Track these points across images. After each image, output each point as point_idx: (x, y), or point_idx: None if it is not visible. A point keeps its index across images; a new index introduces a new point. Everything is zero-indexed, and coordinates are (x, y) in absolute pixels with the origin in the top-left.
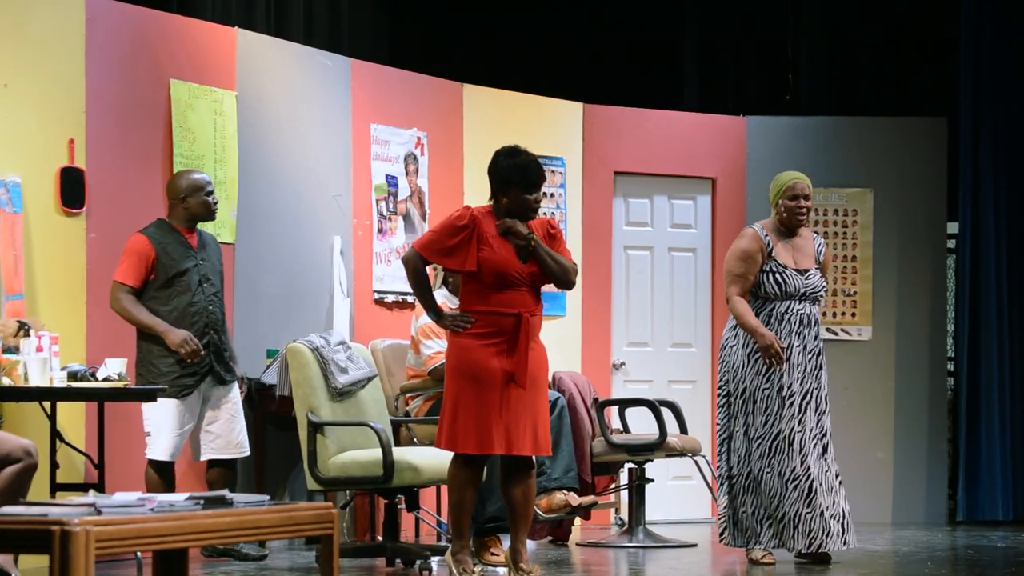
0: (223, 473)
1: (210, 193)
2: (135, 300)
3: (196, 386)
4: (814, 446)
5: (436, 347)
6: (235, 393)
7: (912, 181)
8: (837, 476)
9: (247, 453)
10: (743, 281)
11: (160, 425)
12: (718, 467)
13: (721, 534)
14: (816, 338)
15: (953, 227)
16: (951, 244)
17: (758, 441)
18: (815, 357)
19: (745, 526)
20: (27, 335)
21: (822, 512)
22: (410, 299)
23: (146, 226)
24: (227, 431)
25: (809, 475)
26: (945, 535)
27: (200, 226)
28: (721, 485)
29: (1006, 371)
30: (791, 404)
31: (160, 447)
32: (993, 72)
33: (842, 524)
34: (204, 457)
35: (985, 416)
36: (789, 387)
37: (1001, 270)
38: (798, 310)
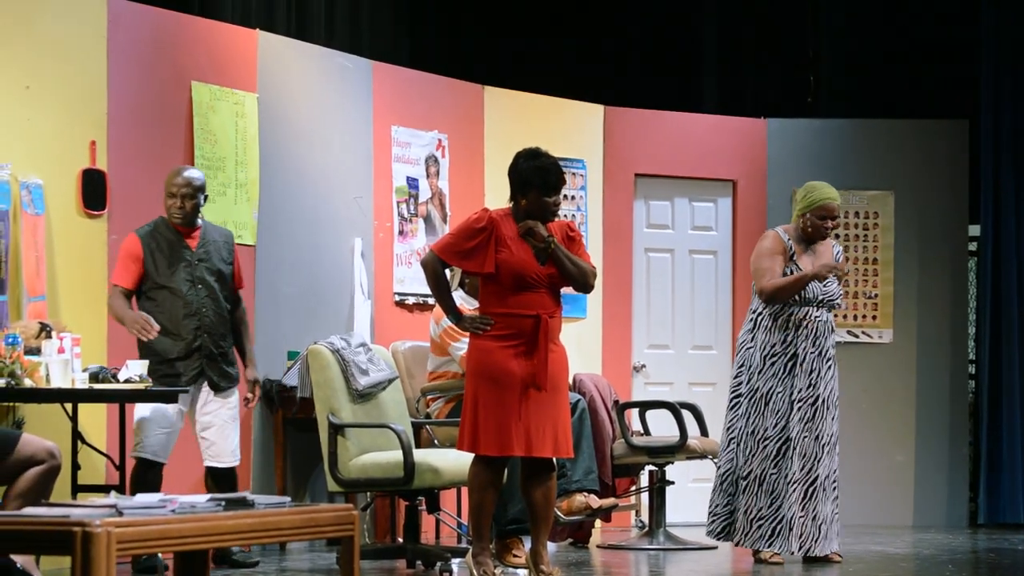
0: (219, 481)
1: (174, 195)
2: (121, 299)
3: (183, 389)
4: (824, 451)
5: (464, 347)
6: (234, 400)
7: (933, 183)
8: (837, 478)
9: (237, 463)
10: (771, 273)
11: (139, 424)
12: (718, 465)
13: (714, 531)
14: (831, 344)
15: (974, 229)
16: (972, 247)
17: (765, 443)
18: (829, 362)
19: (739, 525)
20: (49, 337)
21: (815, 517)
22: (431, 301)
23: (143, 224)
24: (218, 438)
25: (809, 479)
26: (966, 538)
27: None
28: (722, 482)
29: None
30: (800, 408)
31: (141, 444)
32: (1014, 74)
33: (835, 530)
34: (206, 463)
35: (1006, 419)
36: (800, 391)
37: (1023, 272)
38: (815, 316)
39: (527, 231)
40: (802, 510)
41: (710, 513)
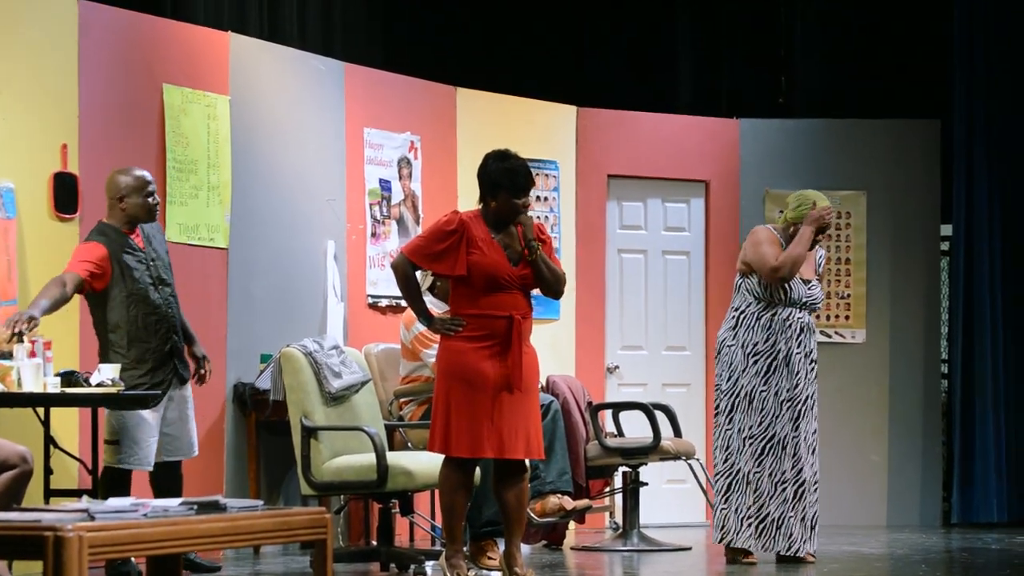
0: (170, 474)
1: (150, 194)
2: (64, 286)
3: (164, 394)
4: (811, 452)
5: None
6: (189, 391)
7: (905, 183)
8: (818, 479)
9: (196, 454)
10: (775, 255)
11: (131, 434)
12: (714, 466)
13: (722, 536)
14: (814, 346)
15: (947, 229)
16: (945, 246)
17: (751, 441)
18: (814, 364)
19: (730, 525)
20: (20, 340)
21: (803, 517)
22: (403, 303)
23: (91, 232)
24: (182, 432)
25: (798, 479)
26: (940, 537)
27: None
28: (717, 484)
29: (1000, 373)
30: (788, 408)
31: (137, 457)
32: (987, 74)
33: (815, 528)
34: (156, 459)
35: (979, 418)
36: (787, 391)
37: (995, 272)
38: (798, 318)
39: (527, 224)
40: (792, 510)
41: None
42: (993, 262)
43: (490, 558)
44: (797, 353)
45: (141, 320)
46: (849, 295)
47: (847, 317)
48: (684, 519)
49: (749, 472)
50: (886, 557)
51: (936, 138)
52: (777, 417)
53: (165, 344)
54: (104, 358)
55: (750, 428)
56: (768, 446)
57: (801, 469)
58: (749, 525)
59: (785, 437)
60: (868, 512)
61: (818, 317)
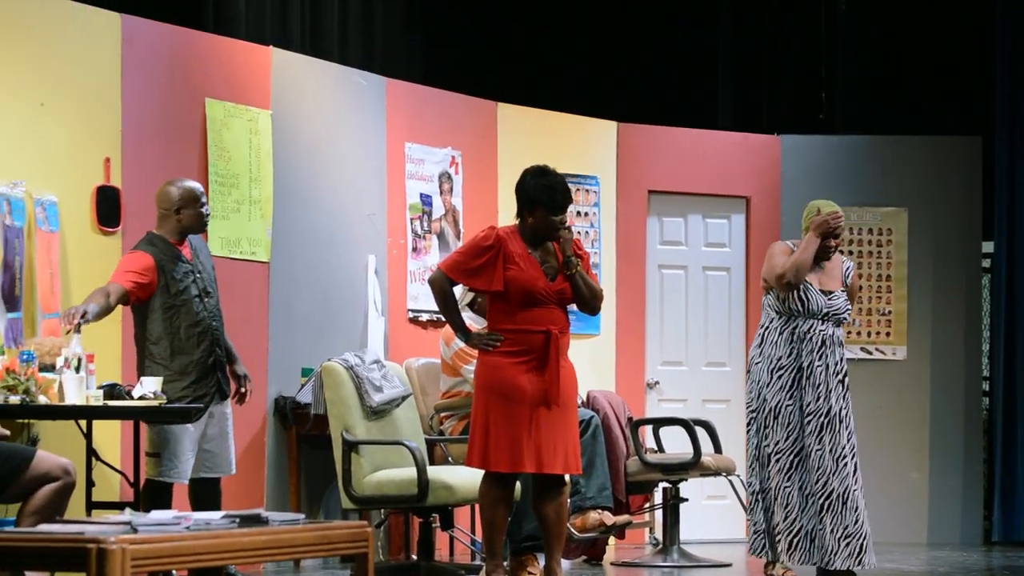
0: (208, 490)
1: (203, 204)
2: (104, 293)
3: (207, 408)
4: (840, 465)
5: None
6: (229, 407)
7: (947, 200)
8: (861, 493)
9: (234, 471)
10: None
11: (172, 447)
12: (748, 483)
13: (752, 549)
14: (841, 359)
15: (988, 246)
16: (986, 263)
17: (778, 456)
18: (842, 377)
19: (761, 540)
20: (78, 331)
21: (833, 530)
22: (443, 318)
23: (139, 242)
24: (221, 448)
25: (825, 492)
26: (981, 556)
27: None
28: (751, 500)
29: None
30: (811, 422)
31: (178, 470)
32: None
33: (861, 544)
34: (195, 475)
35: (1021, 436)
36: (810, 404)
37: None
38: (820, 330)
39: (565, 240)
40: (820, 523)
41: (749, 533)
42: None
43: (530, 573)
44: (819, 366)
45: (184, 331)
46: (890, 312)
47: (888, 334)
48: (724, 535)
49: (779, 487)
50: (926, 574)
51: (978, 155)
52: (802, 430)
53: (208, 357)
54: (145, 370)
55: (777, 443)
56: (797, 460)
57: (827, 482)
58: (781, 539)
59: (811, 450)
60: (909, 529)
61: (858, 334)
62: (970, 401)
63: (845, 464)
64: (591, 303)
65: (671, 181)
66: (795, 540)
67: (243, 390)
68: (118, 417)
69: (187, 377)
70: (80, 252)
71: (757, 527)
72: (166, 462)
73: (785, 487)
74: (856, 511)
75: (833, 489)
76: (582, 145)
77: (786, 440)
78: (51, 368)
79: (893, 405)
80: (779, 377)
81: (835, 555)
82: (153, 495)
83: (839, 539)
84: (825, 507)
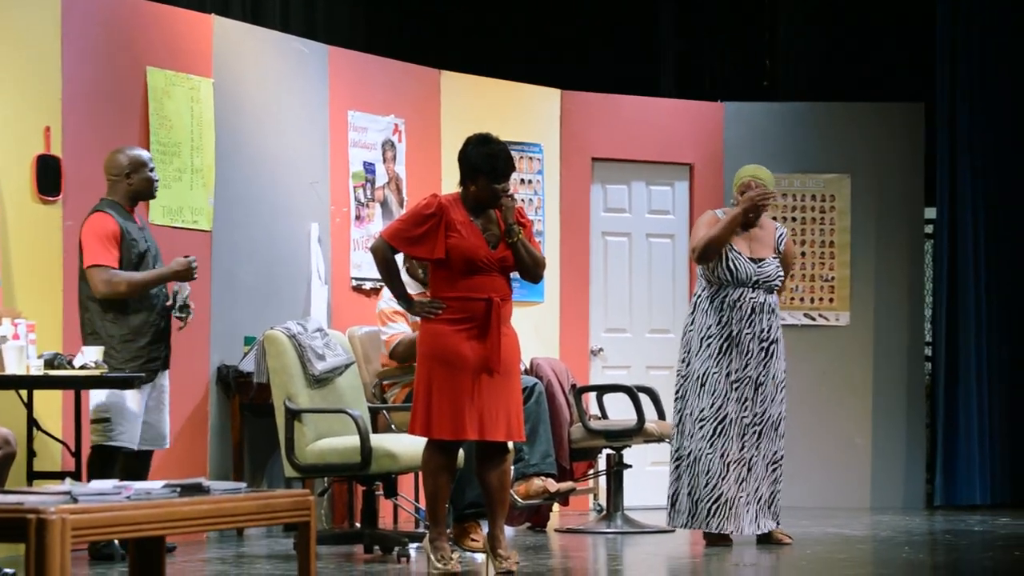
0: (141, 464)
1: (152, 169)
2: (121, 272)
3: (158, 371)
4: (760, 432)
5: (392, 330)
6: (167, 380)
7: (889, 166)
8: (776, 461)
9: (167, 446)
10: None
11: (123, 411)
12: (670, 450)
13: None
14: (770, 326)
15: (931, 212)
16: (928, 229)
17: (701, 423)
18: (768, 344)
19: (683, 507)
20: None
21: (749, 497)
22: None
23: (97, 205)
24: (158, 421)
25: (744, 459)
26: (923, 520)
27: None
28: (672, 466)
29: (984, 355)
30: (737, 388)
31: (128, 435)
32: (970, 57)
33: (756, 509)
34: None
35: (963, 401)
36: (737, 372)
37: (979, 255)
38: (751, 298)
39: (507, 208)
40: (741, 490)
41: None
42: (977, 245)
43: (473, 540)
44: (747, 333)
45: (145, 296)
46: (833, 278)
47: (831, 300)
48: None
49: (700, 453)
50: (869, 539)
51: (920, 121)
52: (727, 398)
53: (161, 320)
54: (96, 331)
55: (702, 410)
56: (720, 427)
57: (746, 450)
58: (699, 507)
59: (736, 418)
60: (852, 495)
61: (801, 300)
62: (912, 366)
63: (763, 432)
64: (533, 271)
65: (614, 148)
66: (716, 507)
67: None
68: (59, 387)
69: (143, 338)
70: (20, 221)
71: (679, 494)
72: (117, 426)
73: (707, 454)
74: (765, 478)
75: (752, 456)
76: (525, 113)
77: (711, 407)
78: None
79: (836, 371)
80: (708, 345)
81: (752, 522)
82: (102, 461)
83: (756, 505)
84: (745, 475)
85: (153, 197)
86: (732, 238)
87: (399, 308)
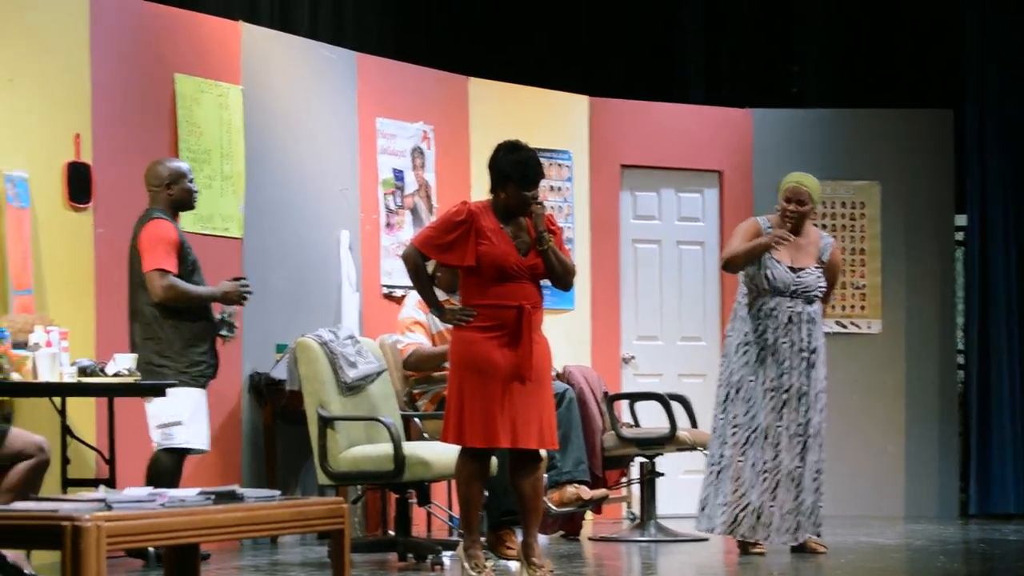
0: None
1: (191, 180)
2: (181, 281)
3: (212, 378)
4: (796, 442)
5: (408, 340)
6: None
7: (919, 173)
8: (818, 471)
9: (208, 449)
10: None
11: (196, 414)
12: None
13: (699, 523)
14: (810, 336)
15: (961, 219)
16: (959, 236)
17: (735, 429)
18: (807, 355)
19: (712, 512)
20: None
21: (784, 507)
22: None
23: (150, 212)
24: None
25: (778, 469)
26: (957, 528)
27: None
28: (707, 473)
29: (1016, 362)
30: (773, 398)
31: (200, 436)
32: (1000, 63)
33: (798, 521)
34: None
35: (996, 408)
36: (772, 381)
37: (1010, 261)
38: (788, 307)
39: (537, 215)
40: (772, 500)
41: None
42: (1008, 251)
43: (509, 548)
44: (784, 343)
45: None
46: (864, 285)
47: (862, 307)
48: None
49: (731, 460)
50: (903, 548)
51: (949, 127)
52: (761, 406)
53: (214, 329)
54: (155, 337)
55: (735, 418)
56: (752, 436)
57: (781, 460)
58: (724, 512)
59: (768, 426)
60: (885, 503)
61: (832, 308)
62: (945, 374)
63: (800, 442)
64: (563, 278)
65: (644, 155)
66: (743, 515)
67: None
68: (92, 394)
69: (202, 344)
70: (51, 228)
71: (711, 500)
72: (190, 429)
73: (739, 461)
74: (805, 488)
75: (786, 466)
76: (554, 120)
77: (745, 415)
78: (24, 345)
79: (868, 378)
80: (744, 353)
81: (778, 532)
82: (174, 464)
83: (790, 516)
84: (779, 484)
85: (192, 208)
86: (770, 251)
87: (419, 319)
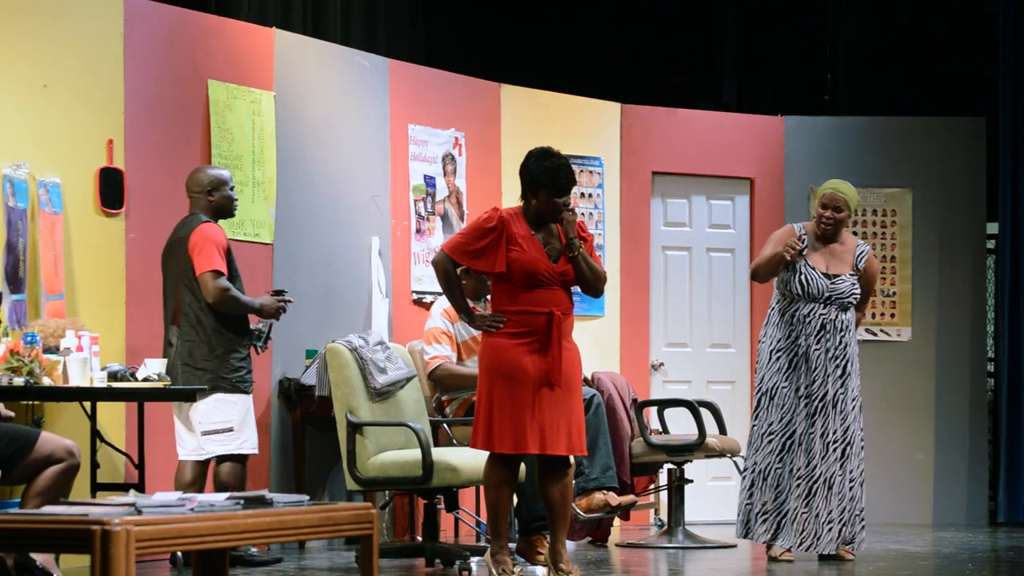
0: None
1: (232, 188)
2: (232, 286)
3: (200, 388)
4: (831, 449)
5: (434, 352)
6: None
7: (951, 181)
8: (853, 479)
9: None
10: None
11: (245, 420)
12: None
13: (737, 530)
14: (843, 344)
15: (993, 227)
16: (991, 244)
17: (770, 437)
18: (841, 362)
19: (747, 518)
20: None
21: (818, 514)
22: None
23: (197, 215)
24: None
25: (812, 476)
26: (986, 536)
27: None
28: (744, 480)
29: None
30: (807, 405)
31: (250, 442)
32: None
33: (839, 529)
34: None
35: None
36: (806, 387)
37: None
38: (821, 314)
39: (568, 222)
40: (805, 506)
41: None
42: None
43: (540, 553)
44: (817, 350)
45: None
46: (895, 293)
47: (893, 315)
48: (729, 516)
49: (768, 468)
50: (932, 556)
51: (982, 135)
52: (795, 412)
53: (248, 336)
54: (208, 341)
55: (770, 424)
56: (789, 443)
57: (815, 466)
58: (765, 520)
59: (803, 433)
60: (914, 511)
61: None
62: (975, 382)
63: (836, 449)
64: (594, 285)
65: (675, 162)
66: (781, 522)
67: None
68: (122, 399)
69: (243, 350)
70: (83, 234)
71: (741, 507)
72: (241, 434)
73: (776, 468)
74: (840, 496)
75: (820, 473)
76: (586, 126)
77: (779, 422)
78: (55, 350)
79: (898, 386)
80: (776, 359)
81: (818, 539)
82: (241, 470)
83: (823, 523)
84: (813, 491)
85: (232, 215)
86: (808, 252)
87: (446, 329)
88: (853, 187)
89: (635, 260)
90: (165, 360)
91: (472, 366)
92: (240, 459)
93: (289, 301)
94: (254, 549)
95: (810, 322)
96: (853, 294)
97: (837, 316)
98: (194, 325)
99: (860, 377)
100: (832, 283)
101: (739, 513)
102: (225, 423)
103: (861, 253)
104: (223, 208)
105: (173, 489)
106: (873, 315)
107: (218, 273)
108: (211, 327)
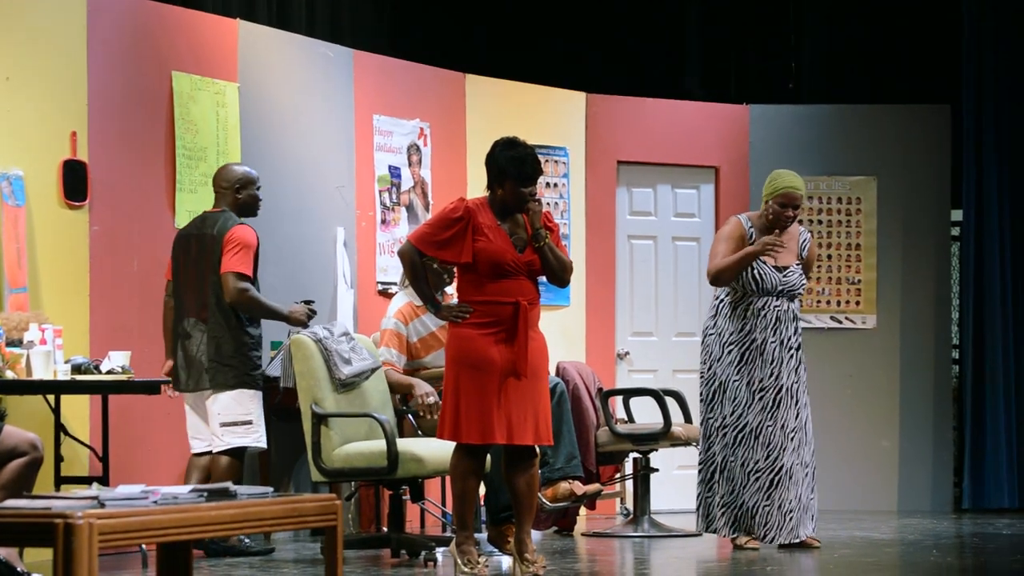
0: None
1: (259, 188)
2: (256, 291)
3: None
4: (788, 440)
5: (382, 356)
6: None
7: (915, 169)
8: (807, 467)
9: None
10: (719, 256)
11: (259, 414)
12: (698, 454)
13: (697, 521)
14: (795, 333)
15: (957, 215)
16: (955, 232)
17: (723, 431)
18: (793, 351)
19: (708, 512)
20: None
21: (780, 505)
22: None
23: (229, 215)
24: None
25: (772, 468)
26: (951, 523)
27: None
28: (698, 472)
29: (1011, 358)
30: (762, 398)
31: (264, 436)
32: (996, 59)
33: (798, 517)
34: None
35: (990, 404)
36: (761, 381)
37: (1005, 257)
38: (775, 306)
39: (534, 212)
40: (767, 499)
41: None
42: (1003, 247)
43: (510, 541)
44: (772, 342)
45: None
46: (859, 281)
47: (857, 303)
48: (694, 505)
49: (723, 461)
50: (897, 542)
51: (946, 123)
52: (749, 407)
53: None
54: (232, 338)
55: (723, 417)
56: (740, 436)
57: (776, 458)
58: (723, 514)
59: (758, 427)
60: (879, 498)
61: (827, 303)
62: (940, 369)
63: (793, 439)
64: (560, 275)
65: (640, 151)
66: (740, 514)
67: None
68: (86, 392)
69: (259, 348)
70: (47, 226)
71: (701, 500)
72: (256, 430)
73: (730, 461)
74: (799, 485)
75: (782, 464)
76: (551, 116)
77: (732, 415)
78: (18, 343)
79: (863, 374)
80: (728, 352)
81: (779, 530)
82: (240, 463)
83: (785, 513)
84: (775, 483)
85: (255, 215)
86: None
87: (398, 331)
88: (800, 178)
89: (601, 249)
90: (128, 352)
91: (429, 363)
92: (240, 454)
93: (314, 312)
94: (248, 540)
95: (765, 315)
96: (803, 284)
97: (788, 306)
98: (224, 321)
99: (825, 365)
100: (784, 276)
101: (699, 507)
102: (245, 415)
103: (804, 241)
104: (249, 206)
105: (184, 483)
106: (838, 303)
107: (241, 276)
108: (241, 325)
